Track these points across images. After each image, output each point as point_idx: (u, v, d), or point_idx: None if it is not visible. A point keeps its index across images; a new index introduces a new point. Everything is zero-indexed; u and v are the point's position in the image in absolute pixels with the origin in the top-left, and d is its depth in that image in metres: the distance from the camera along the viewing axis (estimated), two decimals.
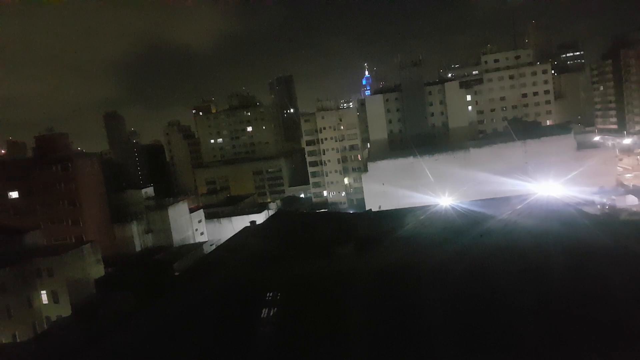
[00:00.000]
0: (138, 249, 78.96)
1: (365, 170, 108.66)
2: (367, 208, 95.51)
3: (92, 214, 75.54)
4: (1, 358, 33.44)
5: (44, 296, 55.57)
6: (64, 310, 53.42)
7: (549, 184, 76.70)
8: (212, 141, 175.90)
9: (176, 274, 45.28)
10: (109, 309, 34.24)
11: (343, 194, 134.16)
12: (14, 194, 74.28)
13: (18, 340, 49.98)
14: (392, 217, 47.27)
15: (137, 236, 79.61)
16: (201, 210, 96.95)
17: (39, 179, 74.18)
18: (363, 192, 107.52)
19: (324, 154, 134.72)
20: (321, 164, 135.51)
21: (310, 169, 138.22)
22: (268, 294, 28.33)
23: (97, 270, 59.68)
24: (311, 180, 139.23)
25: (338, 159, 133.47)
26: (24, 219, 69.09)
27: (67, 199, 74.20)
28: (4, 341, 48.50)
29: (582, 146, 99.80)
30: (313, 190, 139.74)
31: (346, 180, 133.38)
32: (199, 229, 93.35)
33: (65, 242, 69.67)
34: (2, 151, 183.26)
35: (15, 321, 51.75)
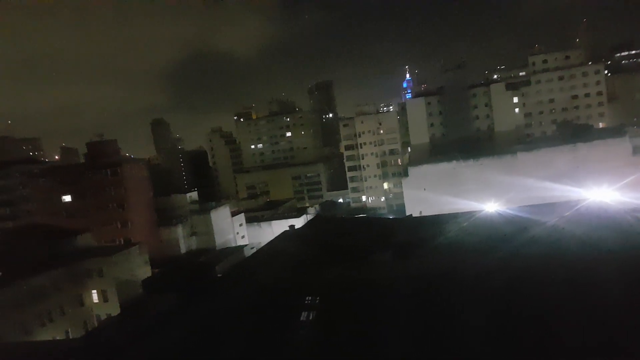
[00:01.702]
0: (183, 251, 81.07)
1: (406, 175, 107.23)
2: (407, 213, 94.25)
3: (139, 217, 78.13)
4: (55, 354, 35.02)
5: (95, 295, 57.93)
6: (113, 309, 55.46)
7: (601, 190, 73.17)
8: (253, 147, 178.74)
9: (219, 275, 46.08)
10: (155, 309, 35.21)
11: (382, 199, 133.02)
12: (67, 198, 77.89)
13: (70, 337, 52.14)
14: (434, 223, 46.29)
15: (182, 239, 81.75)
16: (242, 214, 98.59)
17: (90, 184, 77.51)
18: (403, 197, 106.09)
19: (362, 158, 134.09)
20: (360, 169, 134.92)
21: (348, 174, 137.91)
22: (306, 298, 28.36)
23: (145, 271, 61.65)
24: (350, 185, 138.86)
25: (377, 164, 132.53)
26: (76, 222, 72.19)
27: (116, 202, 77.14)
28: (57, 337, 50.68)
29: (638, 150, 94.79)
30: (351, 195, 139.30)
31: (385, 185, 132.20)
32: (240, 233, 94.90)
33: (115, 244, 72.40)
34: (56, 157, 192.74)
35: (68, 319, 54.13)
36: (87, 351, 32.51)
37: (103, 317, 56.68)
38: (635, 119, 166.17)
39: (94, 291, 57.83)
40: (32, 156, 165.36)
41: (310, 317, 26.28)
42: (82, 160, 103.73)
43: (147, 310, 37.50)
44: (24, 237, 60.25)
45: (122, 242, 72.96)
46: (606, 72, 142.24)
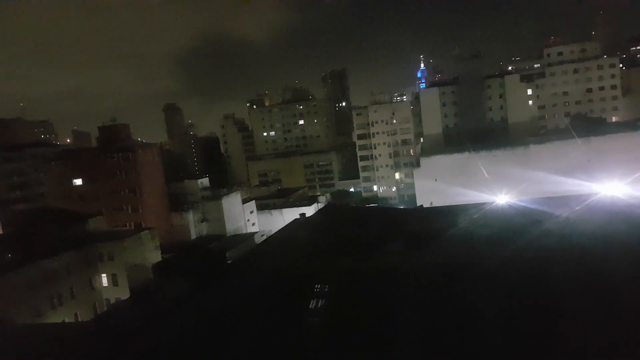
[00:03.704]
0: (193, 237, 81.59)
1: (418, 165, 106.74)
2: (418, 204, 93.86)
3: (151, 202, 78.64)
4: (65, 336, 35.52)
5: (105, 279, 58.55)
6: (123, 293, 56.04)
7: (614, 184, 72.17)
8: (265, 134, 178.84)
9: (229, 262, 46.34)
10: (165, 294, 35.50)
11: (394, 189, 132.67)
12: (79, 182, 78.54)
13: (80, 320, 52.87)
14: (445, 214, 45.99)
15: (193, 225, 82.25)
16: (253, 201, 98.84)
17: (102, 168, 78.01)
18: (414, 187, 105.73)
19: (375, 148, 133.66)
20: (372, 158, 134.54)
21: (360, 163, 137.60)
22: (316, 286, 28.36)
23: (155, 256, 62.13)
24: (361, 174, 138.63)
25: (389, 154, 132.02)
26: (88, 206, 72.87)
27: (128, 187, 77.63)
28: (66, 320, 51.41)
29: None
30: (363, 184, 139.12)
31: (397, 175, 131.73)
32: (251, 220, 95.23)
33: (126, 229, 73.01)
34: (68, 140, 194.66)
35: (78, 302, 54.82)
36: (96, 334, 32.91)
37: (112, 301, 57.34)
38: None
39: (104, 275, 58.43)
40: (43, 139, 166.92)
41: (321, 306, 26.29)
42: (95, 145, 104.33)
43: (157, 295, 37.81)
44: (35, 220, 60.90)
45: (134, 227, 73.55)
46: (621, 65, 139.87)
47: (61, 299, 52.54)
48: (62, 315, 51.56)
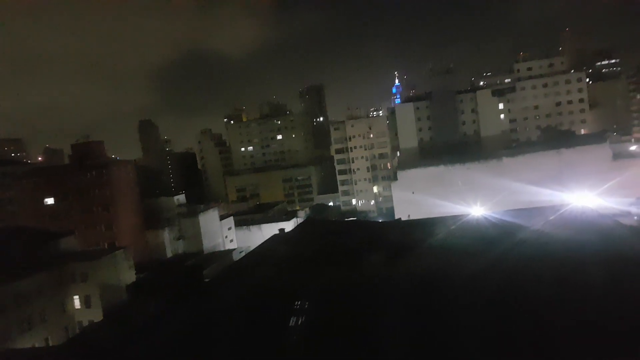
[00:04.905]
0: (169, 255, 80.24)
1: (395, 178, 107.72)
2: (396, 217, 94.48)
3: (125, 220, 77.21)
4: None
5: (77, 301, 56.85)
6: (96, 315, 54.46)
7: (583, 194, 74.23)
8: (243, 149, 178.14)
9: (206, 280, 45.66)
10: (140, 315, 34.69)
11: (372, 202, 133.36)
12: (51, 200, 76.68)
13: (50, 345, 51.12)
14: (422, 227, 46.42)
15: (169, 242, 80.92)
16: (231, 217, 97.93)
17: (74, 186, 76.38)
18: (392, 200, 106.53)
19: (353, 162, 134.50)
20: (350, 172, 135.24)
21: (339, 177, 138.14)
22: (296, 302, 28.15)
23: (129, 276, 60.79)
24: (340, 188, 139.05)
25: (367, 167, 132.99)
26: (60, 224, 71.09)
27: (101, 205, 76.14)
28: (36, 345, 49.64)
29: (618, 156, 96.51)
30: (342, 198, 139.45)
31: (375, 189, 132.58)
32: (229, 236, 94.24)
33: (99, 248, 71.39)
34: (40, 158, 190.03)
35: (49, 325, 52.97)
36: (67, 359, 31.89)
37: (85, 323, 55.64)
38: (615, 126, 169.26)
39: (77, 297, 56.77)
40: (14, 157, 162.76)
41: (301, 321, 26.08)
42: (67, 162, 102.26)
43: (131, 316, 36.91)
44: (5, 240, 59.05)
45: (107, 246, 72.01)
46: (588, 79, 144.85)
47: (31, 323, 50.70)
48: (31, 340, 49.71)
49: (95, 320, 53.23)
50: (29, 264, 53.45)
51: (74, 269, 56.42)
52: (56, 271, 55.12)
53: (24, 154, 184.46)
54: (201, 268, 57.82)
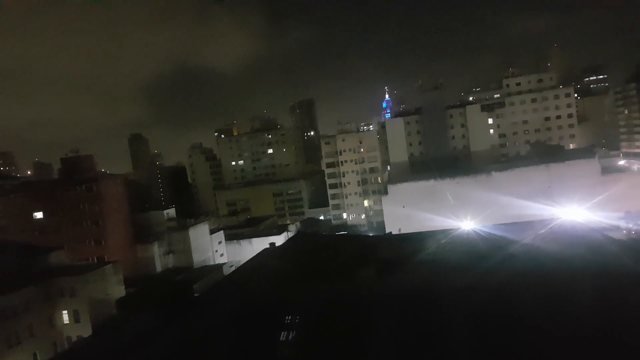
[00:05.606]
0: (159, 269, 79.42)
1: (386, 192, 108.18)
2: (387, 231, 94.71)
3: (114, 235, 76.53)
4: None
5: (66, 316, 56.06)
6: (85, 330, 53.75)
7: (573, 208, 74.99)
8: (234, 163, 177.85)
9: (196, 295, 45.33)
10: (128, 330, 34.35)
11: (363, 216, 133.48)
12: (40, 215, 75.91)
13: None
14: (413, 241, 46.66)
15: (159, 257, 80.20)
16: (221, 231, 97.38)
17: (63, 200, 75.69)
18: (383, 214, 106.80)
19: (343, 176, 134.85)
20: (341, 186, 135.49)
21: (330, 191, 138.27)
22: (287, 317, 28.09)
23: (118, 291, 60.11)
24: (331, 202, 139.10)
25: (358, 181, 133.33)
26: (49, 239, 70.29)
27: (90, 219, 75.42)
28: None
29: (606, 170, 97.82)
30: (333, 212, 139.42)
31: (366, 203, 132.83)
32: (219, 250, 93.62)
33: (88, 262, 70.54)
34: (29, 172, 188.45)
35: (37, 340, 52.19)
36: None
37: (74, 338, 54.83)
38: (604, 140, 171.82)
39: (65, 311, 55.99)
40: (3, 171, 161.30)
41: (291, 336, 26.01)
42: (56, 176, 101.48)
43: (120, 331, 36.54)
44: None
45: (96, 261, 71.19)
46: (576, 95, 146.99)
47: (19, 338, 49.94)
48: (20, 355, 48.99)
49: (84, 336, 52.58)
50: (17, 278, 52.74)
51: (62, 284, 55.68)
52: (44, 286, 54.40)
53: (13, 167, 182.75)
54: (191, 283, 57.59)
